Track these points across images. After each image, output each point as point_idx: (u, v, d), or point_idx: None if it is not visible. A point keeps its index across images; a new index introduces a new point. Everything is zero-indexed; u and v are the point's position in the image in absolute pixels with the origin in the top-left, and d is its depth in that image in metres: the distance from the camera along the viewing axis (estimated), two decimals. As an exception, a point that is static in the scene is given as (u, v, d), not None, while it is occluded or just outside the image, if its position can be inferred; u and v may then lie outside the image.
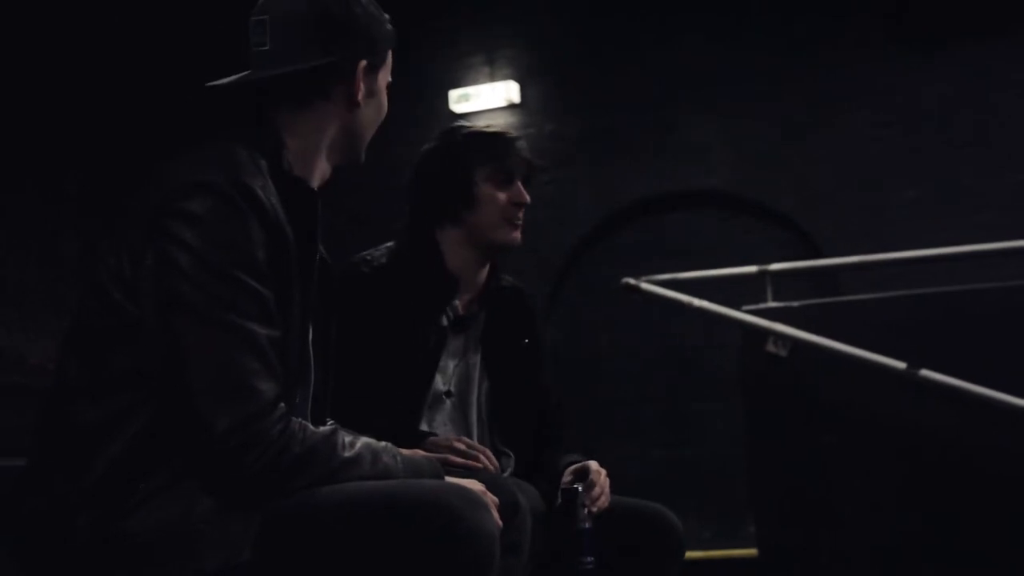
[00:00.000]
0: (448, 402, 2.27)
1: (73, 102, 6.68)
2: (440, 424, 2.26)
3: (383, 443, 1.60)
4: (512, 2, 7.43)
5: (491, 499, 1.59)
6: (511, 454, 2.30)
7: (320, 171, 1.74)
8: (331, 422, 1.83)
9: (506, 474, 2.21)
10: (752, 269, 4.16)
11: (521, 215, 2.31)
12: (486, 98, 7.28)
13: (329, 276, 1.77)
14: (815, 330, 3.75)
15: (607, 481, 2.18)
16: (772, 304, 3.98)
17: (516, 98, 7.26)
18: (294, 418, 1.49)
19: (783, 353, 3.78)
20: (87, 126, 6.75)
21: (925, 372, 3.54)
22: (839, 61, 6.59)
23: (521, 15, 7.42)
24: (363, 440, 1.56)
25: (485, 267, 2.34)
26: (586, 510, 2.07)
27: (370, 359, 2.12)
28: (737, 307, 3.99)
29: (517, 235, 2.31)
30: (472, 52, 7.43)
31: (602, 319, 6.98)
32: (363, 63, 1.71)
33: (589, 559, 2.02)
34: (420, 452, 1.77)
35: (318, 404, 1.74)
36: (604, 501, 2.14)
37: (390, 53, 1.80)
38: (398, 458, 1.58)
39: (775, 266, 4.16)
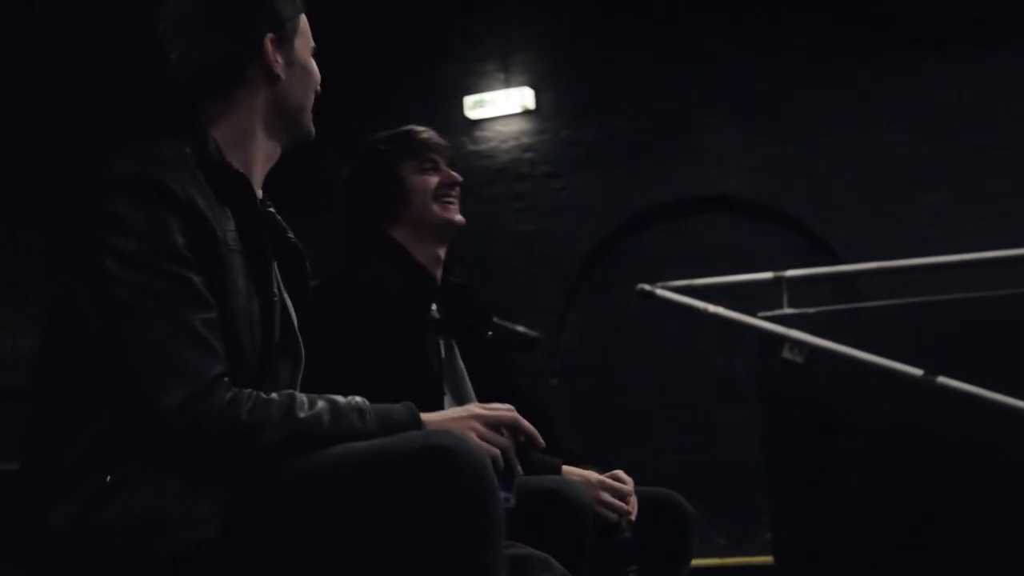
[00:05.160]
0: (445, 403, 2.25)
1: (76, 106, 6.71)
2: None
3: (353, 399, 1.56)
4: (527, 8, 7.44)
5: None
6: None
7: (263, 153, 1.74)
8: None
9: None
10: (768, 275, 4.15)
11: (455, 194, 2.36)
12: (501, 104, 7.30)
13: (301, 258, 1.79)
14: (831, 336, 3.73)
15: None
16: (788, 310, 3.97)
17: (531, 104, 7.27)
18: (246, 390, 1.50)
19: (799, 360, 3.76)
20: (91, 129, 6.78)
21: (942, 379, 3.52)
22: (856, 65, 6.57)
23: (536, 21, 7.42)
24: (325, 398, 1.54)
25: (440, 264, 2.37)
26: (624, 520, 2.14)
27: (378, 376, 2.05)
28: (753, 313, 3.97)
29: (456, 215, 2.35)
30: (487, 58, 7.44)
31: (618, 325, 6.97)
32: (270, 37, 1.70)
33: (633, 567, 2.12)
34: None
35: (314, 388, 1.71)
36: (635, 509, 2.20)
37: (302, 19, 1.77)
38: (367, 416, 1.54)
39: (791, 272, 4.14)
